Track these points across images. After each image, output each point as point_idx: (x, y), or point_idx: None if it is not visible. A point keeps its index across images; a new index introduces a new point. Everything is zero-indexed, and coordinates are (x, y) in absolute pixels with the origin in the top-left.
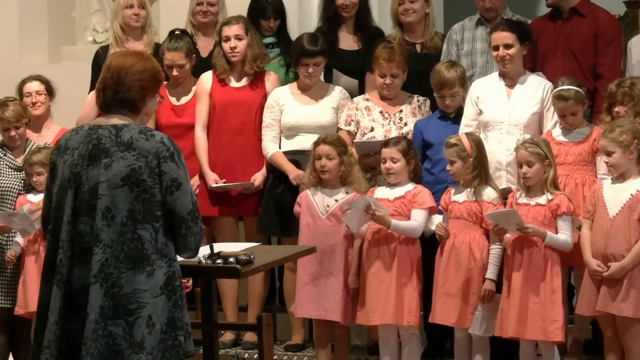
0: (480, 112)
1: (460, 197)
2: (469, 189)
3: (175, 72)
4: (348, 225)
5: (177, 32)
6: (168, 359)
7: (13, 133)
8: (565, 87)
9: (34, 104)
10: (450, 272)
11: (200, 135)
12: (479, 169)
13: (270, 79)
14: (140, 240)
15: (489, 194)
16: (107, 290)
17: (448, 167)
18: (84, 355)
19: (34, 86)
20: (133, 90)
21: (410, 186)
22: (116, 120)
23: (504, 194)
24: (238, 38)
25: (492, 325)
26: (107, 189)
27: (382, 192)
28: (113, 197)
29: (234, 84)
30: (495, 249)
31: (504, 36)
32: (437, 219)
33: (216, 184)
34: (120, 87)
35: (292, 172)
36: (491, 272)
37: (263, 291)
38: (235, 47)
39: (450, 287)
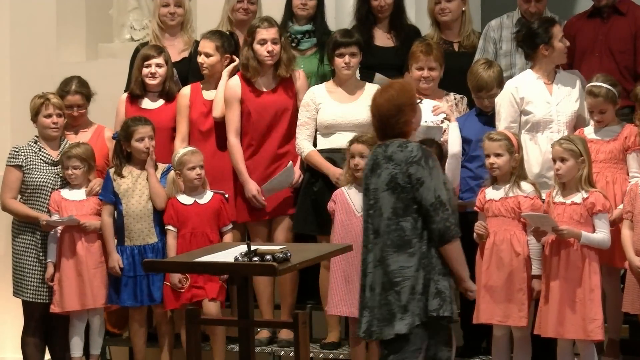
0: (528, 113)
1: (496, 194)
2: (506, 185)
3: (199, 58)
4: None
5: (229, 32)
6: (422, 316)
7: (56, 120)
8: (597, 83)
9: (74, 115)
10: (492, 270)
11: (234, 142)
12: (522, 165)
13: (300, 77)
14: (402, 230)
15: (524, 187)
16: (383, 269)
17: (493, 160)
18: (370, 318)
19: (75, 99)
20: (397, 129)
21: None
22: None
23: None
24: (275, 42)
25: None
26: (378, 193)
27: None
28: (382, 199)
29: (264, 87)
30: (535, 244)
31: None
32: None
33: (257, 192)
34: (387, 130)
35: (333, 172)
36: (537, 268)
37: (295, 289)
38: (272, 51)
39: (493, 285)
